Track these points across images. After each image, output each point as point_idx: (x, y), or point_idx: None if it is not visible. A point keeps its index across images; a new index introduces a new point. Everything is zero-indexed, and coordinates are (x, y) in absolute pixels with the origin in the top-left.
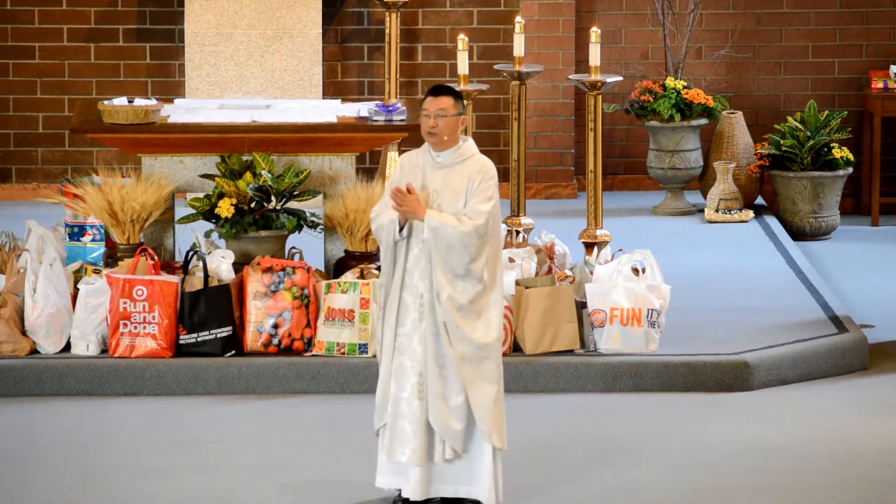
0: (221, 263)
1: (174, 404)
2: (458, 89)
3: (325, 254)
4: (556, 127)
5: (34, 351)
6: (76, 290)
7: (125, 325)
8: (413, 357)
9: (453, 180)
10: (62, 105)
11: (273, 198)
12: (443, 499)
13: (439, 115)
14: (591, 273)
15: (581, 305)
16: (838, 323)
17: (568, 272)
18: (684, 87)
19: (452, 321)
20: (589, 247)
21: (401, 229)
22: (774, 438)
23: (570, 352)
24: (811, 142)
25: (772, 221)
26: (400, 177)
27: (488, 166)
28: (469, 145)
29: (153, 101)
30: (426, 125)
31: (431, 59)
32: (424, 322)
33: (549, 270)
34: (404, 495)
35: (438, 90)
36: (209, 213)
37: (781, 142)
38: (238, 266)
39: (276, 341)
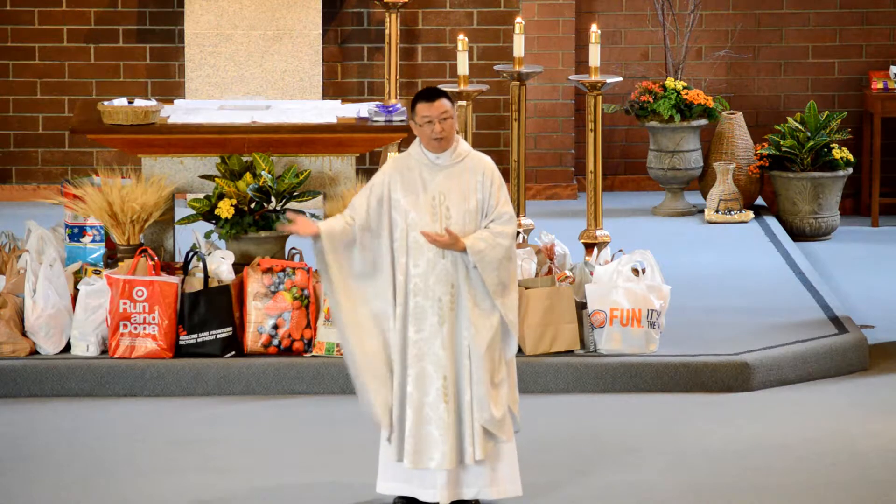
0: (221, 264)
1: (174, 405)
2: (449, 90)
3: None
4: (556, 127)
5: (34, 352)
6: (76, 290)
7: (125, 325)
8: (436, 361)
9: (457, 180)
10: (62, 106)
11: (273, 198)
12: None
13: (443, 119)
14: (591, 273)
15: (581, 306)
16: (838, 323)
17: (568, 273)
18: (684, 88)
19: (507, 328)
20: (589, 247)
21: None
22: (774, 438)
23: (570, 352)
24: (811, 142)
25: (772, 222)
26: (392, 181)
27: (492, 164)
28: (463, 143)
29: (153, 102)
30: (432, 132)
31: (431, 59)
32: (446, 325)
33: (549, 271)
34: (427, 499)
35: (431, 94)
36: (209, 214)
37: (781, 142)
38: (238, 267)
39: (276, 342)
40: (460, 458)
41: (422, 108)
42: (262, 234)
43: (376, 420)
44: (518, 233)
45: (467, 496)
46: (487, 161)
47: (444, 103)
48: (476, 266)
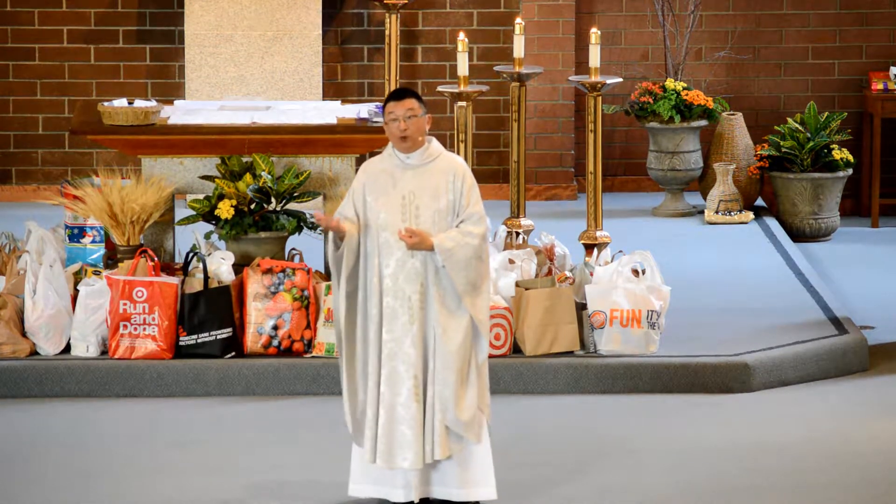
0: (221, 265)
1: (174, 406)
2: (449, 91)
3: (325, 255)
4: (555, 128)
5: (34, 352)
6: (76, 291)
7: (125, 326)
8: (406, 361)
9: (428, 180)
10: (62, 106)
11: (273, 199)
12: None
13: (409, 117)
14: (591, 274)
15: (581, 307)
16: (838, 324)
17: (568, 273)
18: (684, 89)
19: (478, 329)
20: (589, 248)
21: (339, 242)
22: (774, 439)
23: (569, 353)
24: (811, 143)
25: (772, 223)
26: (365, 182)
27: (463, 164)
28: (436, 144)
29: (153, 103)
30: (397, 129)
31: (431, 60)
32: (416, 325)
33: (549, 272)
34: (398, 500)
35: (400, 93)
36: (209, 215)
37: (781, 143)
38: (238, 267)
39: (275, 343)
40: (424, 456)
41: (390, 105)
42: (262, 234)
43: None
44: (518, 234)
45: (437, 495)
46: (459, 161)
47: (411, 102)
48: (444, 265)
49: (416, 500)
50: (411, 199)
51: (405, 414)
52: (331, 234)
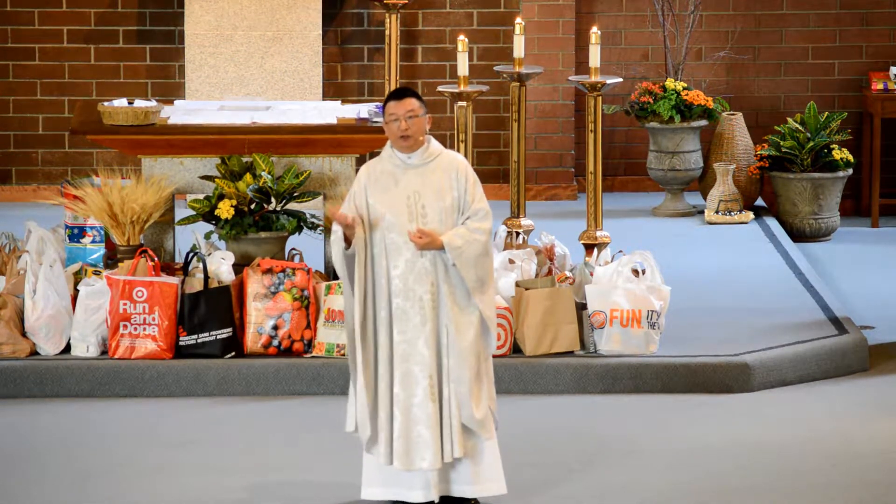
0: (221, 265)
1: (174, 405)
2: (449, 91)
3: (325, 255)
4: (556, 128)
5: (34, 352)
6: (76, 291)
7: (125, 326)
8: (421, 362)
9: (431, 178)
10: (62, 106)
11: (273, 199)
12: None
13: (410, 117)
14: (591, 274)
15: (581, 307)
16: (838, 324)
17: (568, 273)
18: (684, 89)
19: (486, 325)
20: (589, 248)
21: (348, 246)
22: (774, 439)
23: (570, 353)
24: (811, 143)
25: (772, 223)
26: (366, 185)
27: (465, 161)
28: (435, 143)
29: (153, 103)
30: (398, 129)
31: (431, 60)
32: (428, 325)
33: (549, 272)
34: (417, 500)
35: (401, 93)
36: (209, 215)
37: (781, 143)
38: (238, 267)
39: (276, 343)
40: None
41: (390, 105)
42: (262, 234)
43: (356, 428)
44: (518, 234)
45: (453, 493)
46: (460, 159)
47: (411, 102)
48: (454, 263)
49: (437, 500)
50: (416, 198)
51: (422, 414)
52: (335, 236)
